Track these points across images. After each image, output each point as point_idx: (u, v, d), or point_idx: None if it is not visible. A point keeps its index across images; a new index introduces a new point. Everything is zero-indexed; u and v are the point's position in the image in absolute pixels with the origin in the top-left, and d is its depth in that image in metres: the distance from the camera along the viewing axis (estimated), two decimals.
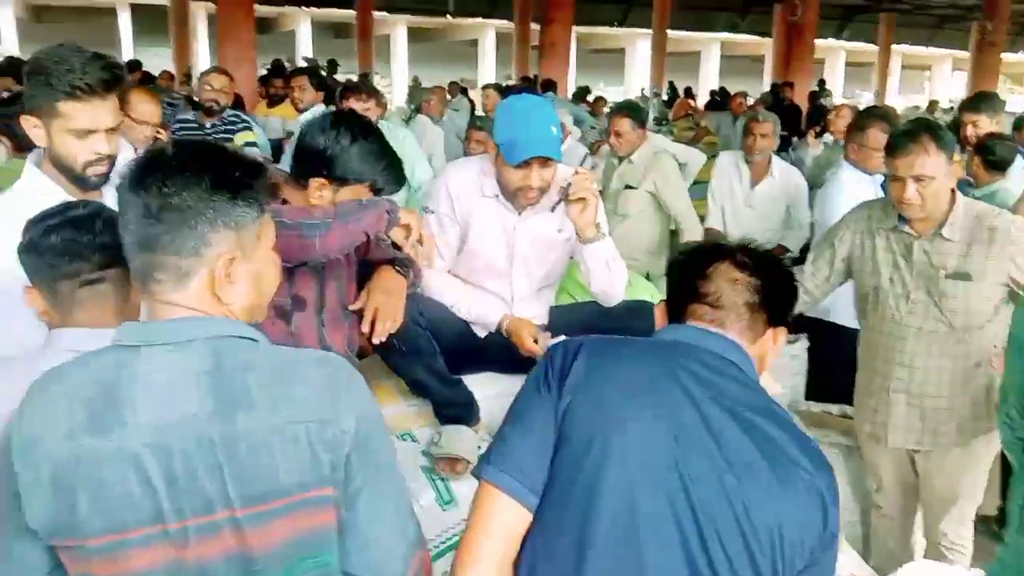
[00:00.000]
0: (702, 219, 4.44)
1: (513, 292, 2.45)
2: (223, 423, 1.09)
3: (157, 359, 1.11)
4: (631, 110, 4.42)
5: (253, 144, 4.33)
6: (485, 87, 8.31)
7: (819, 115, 7.24)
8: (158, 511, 1.08)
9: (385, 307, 2.03)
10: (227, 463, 1.09)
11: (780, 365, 3.55)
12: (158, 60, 18.33)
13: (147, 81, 11.06)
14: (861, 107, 5.76)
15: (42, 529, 1.08)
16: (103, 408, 1.09)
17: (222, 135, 4.31)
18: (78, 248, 1.41)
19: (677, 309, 1.44)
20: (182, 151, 1.17)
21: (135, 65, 11.78)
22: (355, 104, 3.62)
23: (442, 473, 2.22)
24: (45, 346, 1.45)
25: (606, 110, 10.92)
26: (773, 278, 1.42)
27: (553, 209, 2.32)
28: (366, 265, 2.16)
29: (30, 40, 24.16)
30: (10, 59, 6.35)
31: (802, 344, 3.70)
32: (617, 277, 2.36)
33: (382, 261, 2.15)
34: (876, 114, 3.93)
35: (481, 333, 2.44)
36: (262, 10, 22.22)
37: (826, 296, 2.84)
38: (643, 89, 21.89)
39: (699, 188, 5.24)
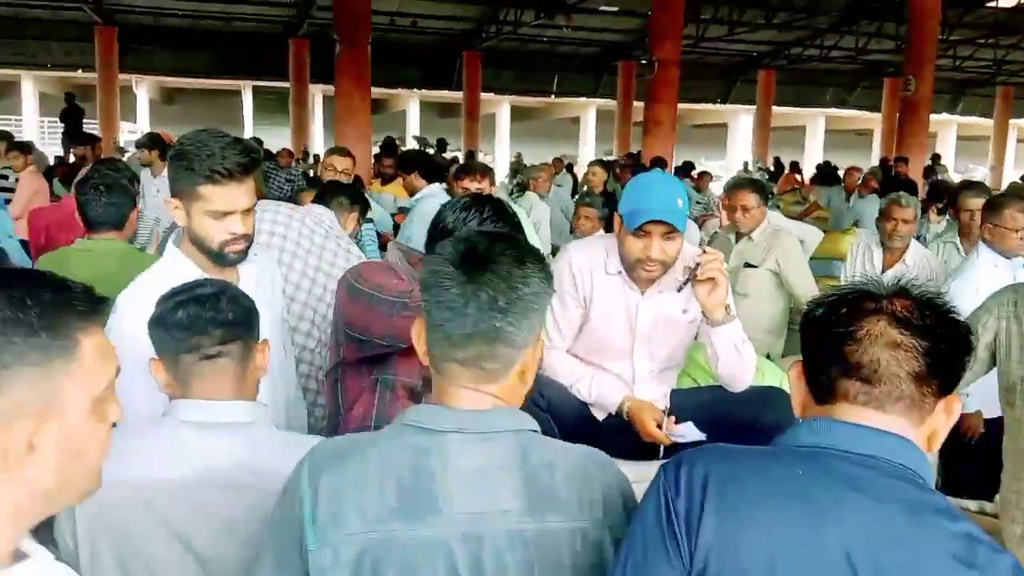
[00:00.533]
0: None
1: (635, 373, 2.39)
2: (536, 521, 1.12)
3: (467, 448, 1.13)
4: (757, 185, 4.26)
5: (369, 220, 4.44)
6: (591, 164, 8.38)
7: (939, 191, 6.95)
8: None
9: None
10: (538, 561, 1.11)
11: None
12: (276, 140, 19.36)
13: (268, 159, 11.64)
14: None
15: None
16: (416, 494, 1.10)
17: None
18: (201, 324, 1.47)
19: (819, 383, 1.13)
20: (504, 244, 1.19)
21: (256, 143, 12.42)
22: (470, 184, 3.68)
23: None
24: (165, 415, 1.50)
25: (712, 185, 10.86)
26: (945, 335, 1.08)
27: (680, 289, 2.25)
28: None
29: (161, 120, 25.91)
30: (151, 135, 6.82)
31: None
32: (747, 361, 2.27)
33: None
34: (1013, 194, 3.73)
35: (600, 415, 2.38)
36: (375, 91, 23.30)
37: (967, 386, 2.67)
38: (746, 163, 21.76)
39: (814, 264, 5.08)
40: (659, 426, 2.24)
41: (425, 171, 5.24)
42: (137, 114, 25.06)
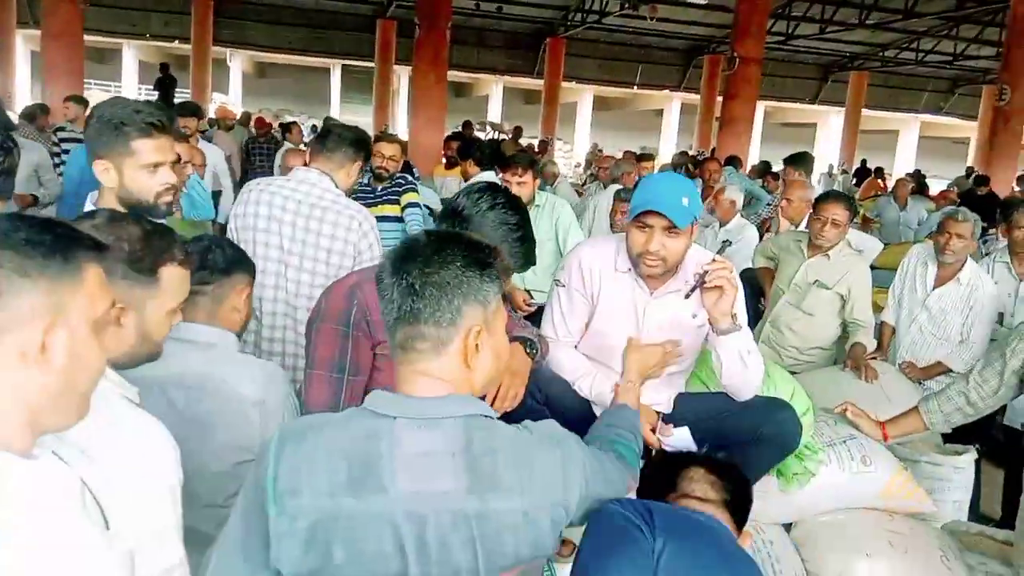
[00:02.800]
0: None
1: None
2: (478, 501, 1.24)
3: (413, 433, 1.25)
4: (848, 199, 3.97)
5: (416, 204, 4.52)
6: (639, 158, 8.33)
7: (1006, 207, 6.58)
8: (404, 573, 1.23)
9: (507, 387, 2.03)
10: (480, 538, 1.24)
11: (943, 478, 3.24)
12: (361, 118, 19.69)
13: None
14: None
15: (289, 571, 1.23)
16: (363, 472, 1.23)
17: (390, 196, 4.53)
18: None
19: None
20: (434, 238, 1.33)
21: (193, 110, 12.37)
22: (510, 178, 3.71)
23: None
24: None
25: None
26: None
27: (688, 295, 2.23)
28: None
29: (252, 93, 26.62)
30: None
31: (969, 456, 3.35)
32: (752, 372, 2.24)
33: (512, 338, 2.15)
34: None
35: (599, 413, 2.39)
36: (460, 75, 23.48)
37: (992, 409, 2.58)
38: (831, 165, 21.13)
39: (873, 274, 4.94)
40: (653, 429, 2.25)
41: (481, 159, 5.31)
42: (230, 86, 25.81)
